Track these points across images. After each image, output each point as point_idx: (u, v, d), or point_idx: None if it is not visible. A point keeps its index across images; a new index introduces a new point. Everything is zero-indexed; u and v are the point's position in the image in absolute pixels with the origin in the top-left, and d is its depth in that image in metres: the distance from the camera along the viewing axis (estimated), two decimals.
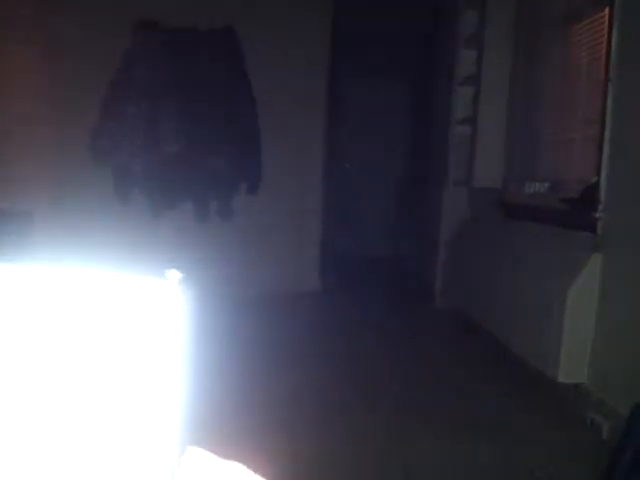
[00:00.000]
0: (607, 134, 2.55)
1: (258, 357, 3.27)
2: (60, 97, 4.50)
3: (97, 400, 0.20)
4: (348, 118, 7.11)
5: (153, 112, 4.31)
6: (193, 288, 0.25)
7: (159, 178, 4.44)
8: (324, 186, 5.12)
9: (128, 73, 4.33)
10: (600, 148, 2.59)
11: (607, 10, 2.63)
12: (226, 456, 0.25)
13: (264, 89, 4.61)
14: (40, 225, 4.03)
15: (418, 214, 6.00)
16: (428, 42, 5.92)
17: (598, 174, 2.60)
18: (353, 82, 7.01)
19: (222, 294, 4.39)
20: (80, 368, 0.20)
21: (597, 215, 2.58)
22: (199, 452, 0.24)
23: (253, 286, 4.73)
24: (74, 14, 4.40)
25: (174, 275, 0.24)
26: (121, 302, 0.22)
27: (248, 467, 0.26)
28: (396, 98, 7.20)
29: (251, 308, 4.36)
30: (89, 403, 0.20)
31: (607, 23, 2.60)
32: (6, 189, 4.32)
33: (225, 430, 2.06)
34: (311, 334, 3.99)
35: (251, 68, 4.57)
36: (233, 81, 4.51)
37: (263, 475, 0.28)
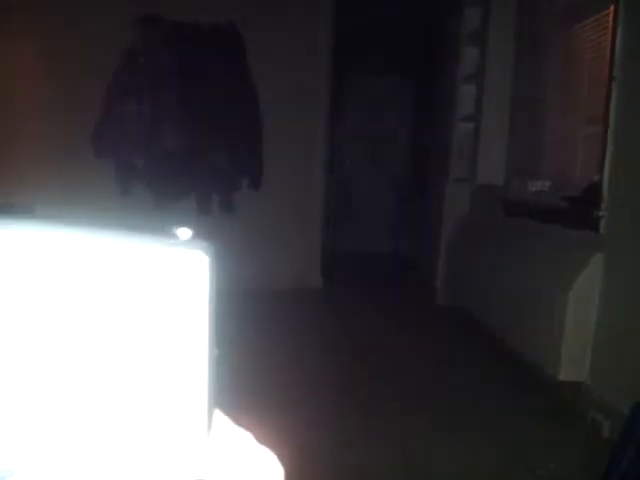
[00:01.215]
0: (610, 132, 2.54)
1: (257, 353, 3.27)
2: (61, 92, 4.50)
3: (120, 367, 0.20)
4: (350, 115, 7.11)
5: (155, 107, 4.31)
6: (211, 249, 0.23)
7: (161, 173, 4.44)
8: (326, 182, 5.11)
9: (130, 68, 4.32)
10: (603, 146, 2.58)
11: (612, 8, 2.62)
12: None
13: (266, 85, 4.60)
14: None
15: (420, 211, 6.00)
16: (431, 39, 5.91)
17: (601, 172, 2.60)
18: (355, 79, 6.99)
19: (221, 289, 4.37)
20: (102, 335, 0.19)
21: (599, 214, 2.58)
22: (222, 417, 0.24)
23: (254, 282, 4.73)
24: (76, 9, 4.40)
25: (185, 233, 0.23)
26: (141, 268, 0.21)
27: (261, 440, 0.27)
28: (398, 95, 7.18)
29: (252, 304, 4.36)
30: (111, 370, 0.20)
31: (612, 21, 2.59)
32: (7, 183, 4.32)
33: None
34: (311, 332, 3.99)
35: (253, 64, 4.57)
36: (235, 76, 4.51)
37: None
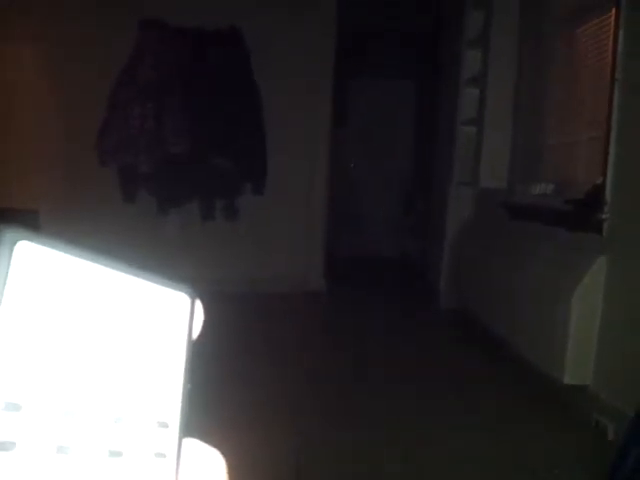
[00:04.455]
0: (613, 135, 2.54)
1: (259, 356, 3.27)
2: (65, 97, 4.52)
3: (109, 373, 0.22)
4: (353, 118, 7.12)
5: (158, 112, 4.33)
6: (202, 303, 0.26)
7: (165, 178, 4.46)
8: (329, 186, 5.12)
9: (133, 73, 4.34)
10: (606, 149, 2.58)
11: (614, 11, 2.62)
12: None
13: (269, 89, 4.62)
14: (46, 225, 4.05)
15: (423, 214, 6.00)
16: (434, 43, 5.92)
17: (604, 175, 2.60)
18: (359, 82, 7.01)
19: (225, 293, 4.39)
20: (100, 349, 0.22)
21: (603, 216, 2.57)
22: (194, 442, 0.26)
23: (257, 286, 4.74)
24: (79, 14, 4.43)
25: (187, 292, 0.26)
26: (136, 300, 0.23)
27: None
28: (402, 98, 7.20)
29: (255, 308, 4.37)
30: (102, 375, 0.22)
31: (613, 24, 2.60)
32: (12, 189, 4.34)
33: (224, 422, 2.07)
34: (313, 335, 3.99)
35: (256, 68, 4.58)
36: (238, 81, 4.52)
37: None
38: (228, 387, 2.62)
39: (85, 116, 4.43)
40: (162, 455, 0.23)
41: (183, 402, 0.25)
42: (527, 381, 2.99)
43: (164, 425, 0.24)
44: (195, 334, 0.26)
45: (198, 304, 0.26)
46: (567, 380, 2.56)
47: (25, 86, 4.58)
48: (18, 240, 0.20)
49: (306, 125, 4.89)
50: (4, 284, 0.19)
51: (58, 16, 4.44)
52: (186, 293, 0.26)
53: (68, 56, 4.48)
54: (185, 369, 0.25)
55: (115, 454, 0.22)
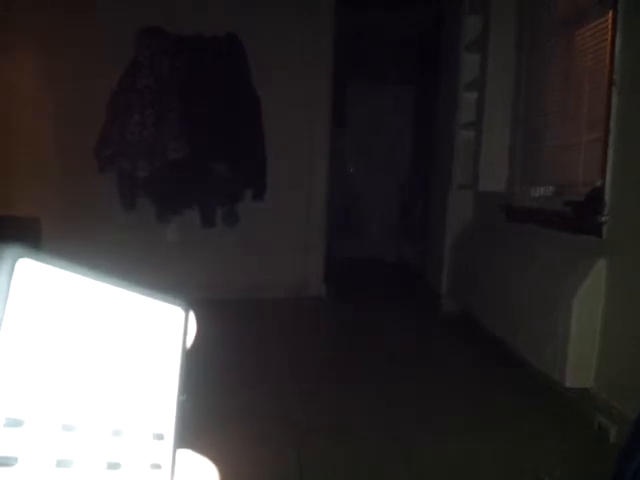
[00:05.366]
0: (612, 137, 2.55)
1: (257, 363, 3.27)
2: (65, 103, 4.53)
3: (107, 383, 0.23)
4: (352, 123, 7.13)
5: (158, 119, 4.34)
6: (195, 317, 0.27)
7: (164, 185, 4.46)
8: (328, 190, 5.13)
9: (132, 80, 4.35)
10: (605, 151, 2.59)
11: (610, 14, 2.63)
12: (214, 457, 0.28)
13: (268, 95, 4.63)
14: (48, 232, 4.05)
15: (423, 218, 6.01)
16: (432, 47, 5.93)
17: (603, 177, 2.60)
18: (357, 86, 7.03)
19: (225, 299, 4.40)
20: (98, 361, 0.23)
21: (603, 218, 2.58)
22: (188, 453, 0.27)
23: (257, 291, 4.74)
24: (78, 22, 4.44)
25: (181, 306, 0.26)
26: (132, 315, 0.24)
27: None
28: (400, 102, 7.21)
29: (255, 313, 4.37)
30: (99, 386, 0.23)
31: (610, 27, 2.61)
32: (13, 197, 4.35)
33: (220, 434, 2.07)
34: (314, 339, 3.99)
35: (255, 74, 4.59)
36: (237, 87, 4.53)
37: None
38: (223, 395, 2.62)
39: (85, 123, 4.44)
40: (157, 466, 0.24)
41: (177, 413, 0.25)
42: (528, 384, 2.98)
43: (159, 437, 0.24)
44: (188, 345, 0.27)
45: (191, 316, 0.27)
46: (568, 383, 2.55)
47: (25, 93, 4.59)
48: (19, 257, 0.20)
49: (305, 129, 4.90)
50: (5, 301, 0.19)
51: (58, 24, 4.46)
52: (180, 306, 0.26)
53: (67, 64, 4.49)
54: (180, 381, 0.26)
55: (113, 466, 0.22)
